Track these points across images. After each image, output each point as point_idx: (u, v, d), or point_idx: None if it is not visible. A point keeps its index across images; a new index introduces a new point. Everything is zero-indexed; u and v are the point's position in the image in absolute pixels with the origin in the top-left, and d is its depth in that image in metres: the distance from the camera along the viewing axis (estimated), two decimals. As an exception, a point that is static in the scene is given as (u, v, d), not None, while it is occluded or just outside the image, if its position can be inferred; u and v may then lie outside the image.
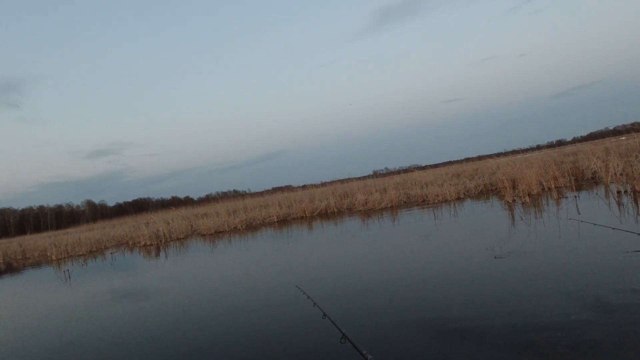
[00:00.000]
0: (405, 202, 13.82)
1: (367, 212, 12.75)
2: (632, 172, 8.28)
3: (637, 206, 6.45)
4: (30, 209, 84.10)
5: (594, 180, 10.84)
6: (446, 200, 12.29)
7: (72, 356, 3.57)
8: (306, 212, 15.32)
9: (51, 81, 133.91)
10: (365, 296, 3.99)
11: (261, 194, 27.75)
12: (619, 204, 6.85)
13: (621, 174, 8.79)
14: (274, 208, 16.65)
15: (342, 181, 25.93)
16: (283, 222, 14.49)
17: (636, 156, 9.27)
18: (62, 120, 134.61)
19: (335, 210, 15.16)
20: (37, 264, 13.72)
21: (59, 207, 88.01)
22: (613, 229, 3.15)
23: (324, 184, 24.58)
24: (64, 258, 14.19)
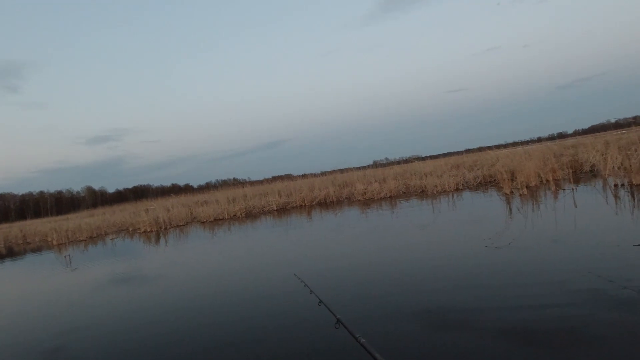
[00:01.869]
0: (404, 193, 13.88)
1: (366, 202, 12.83)
2: (630, 165, 8.31)
3: (634, 200, 6.50)
4: (30, 194, 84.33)
5: (593, 174, 10.87)
6: (445, 191, 12.34)
7: (73, 340, 3.66)
8: (305, 201, 15.40)
9: (51, 66, 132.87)
10: (362, 284, 4.06)
11: (261, 182, 27.78)
12: (616, 197, 6.90)
13: (619, 168, 8.83)
14: (273, 197, 16.72)
15: (342, 171, 26.00)
16: (282, 210, 14.58)
17: (635, 150, 9.29)
18: (62, 106, 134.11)
19: (335, 199, 15.23)
20: (38, 249, 13.85)
21: (59, 192, 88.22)
22: None
23: (323, 174, 24.61)
24: (65, 243, 14.31)
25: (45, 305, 5.31)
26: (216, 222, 14.05)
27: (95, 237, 15.15)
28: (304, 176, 25.71)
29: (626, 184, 8.01)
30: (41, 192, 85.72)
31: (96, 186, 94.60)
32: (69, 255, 10.32)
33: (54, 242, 14.70)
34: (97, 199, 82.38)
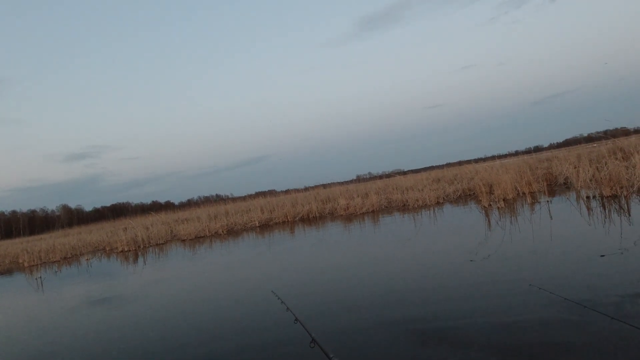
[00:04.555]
0: (386, 207, 13.98)
1: (349, 217, 12.84)
2: (600, 178, 8.63)
3: (605, 210, 6.72)
4: (2, 213, 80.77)
5: (566, 186, 11.22)
6: (426, 205, 12.49)
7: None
8: (288, 217, 15.30)
9: (27, 82, 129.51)
10: (342, 300, 4.02)
11: (244, 198, 27.52)
12: (588, 208, 7.12)
13: (591, 180, 9.15)
14: (255, 213, 16.55)
15: (324, 186, 26.01)
16: (265, 227, 14.43)
17: (605, 163, 9.65)
18: (38, 122, 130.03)
19: (317, 215, 15.19)
20: (7, 272, 13.22)
21: (33, 212, 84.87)
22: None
23: (307, 189, 24.59)
24: (37, 265, 13.71)
25: (10, 331, 5.02)
26: (197, 239, 13.77)
27: (69, 258, 14.58)
28: (287, 192, 25.60)
29: (597, 195, 8.30)
30: (13, 212, 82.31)
31: (73, 205, 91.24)
32: (40, 277, 9.88)
33: (25, 264, 14.06)
34: (73, 217, 79.59)
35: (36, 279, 9.78)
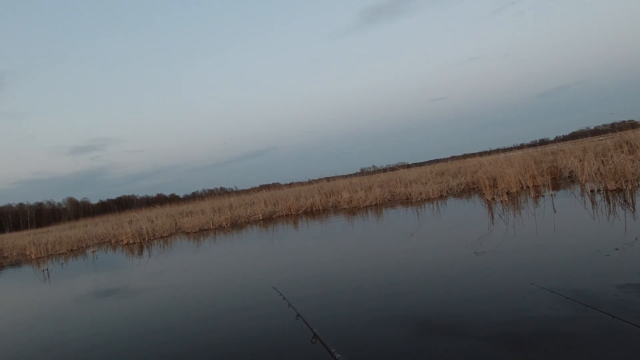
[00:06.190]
0: (389, 200, 13.97)
1: (352, 210, 12.86)
2: (606, 171, 8.56)
3: (609, 204, 6.68)
4: (9, 206, 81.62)
5: (571, 179, 11.15)
6: (429, 198, 12.47)
7: (51, 357, 3.54)
8: (292, 210, 15.35)
9: (32, 75, 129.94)
10: (345, 294, 4.04)
11: (248, 191, 27.62)
12: (593, 202, 7.08)
13: (596, 174, 9.08)
14: (259, 206, 16.62)
15: (328, 179, 26.01)
16: (268, 219, 14.49)
17: (611, 156, 9.57)
18: (43, 116, 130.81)
19: (321, 208, 15.23)
20: (15, 263, 13.41)
21: (40, 204, 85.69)
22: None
23: (310, 182, 24.61)
24: (44, 257, 13.89)
25: (18, 322, 5.12)
26: (201, 232, 13.87)
27: (76, 250, 14.75)
28: (290, 185, 25.68)
29: (602, 189, 8.24)
30: (20, 204, 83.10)
31: (78, 197, 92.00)
32: (47, 269, 10.02)
33: (33, 256, 14.25)
34: (79, 210, 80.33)
35: (43, 270, 9.92)
